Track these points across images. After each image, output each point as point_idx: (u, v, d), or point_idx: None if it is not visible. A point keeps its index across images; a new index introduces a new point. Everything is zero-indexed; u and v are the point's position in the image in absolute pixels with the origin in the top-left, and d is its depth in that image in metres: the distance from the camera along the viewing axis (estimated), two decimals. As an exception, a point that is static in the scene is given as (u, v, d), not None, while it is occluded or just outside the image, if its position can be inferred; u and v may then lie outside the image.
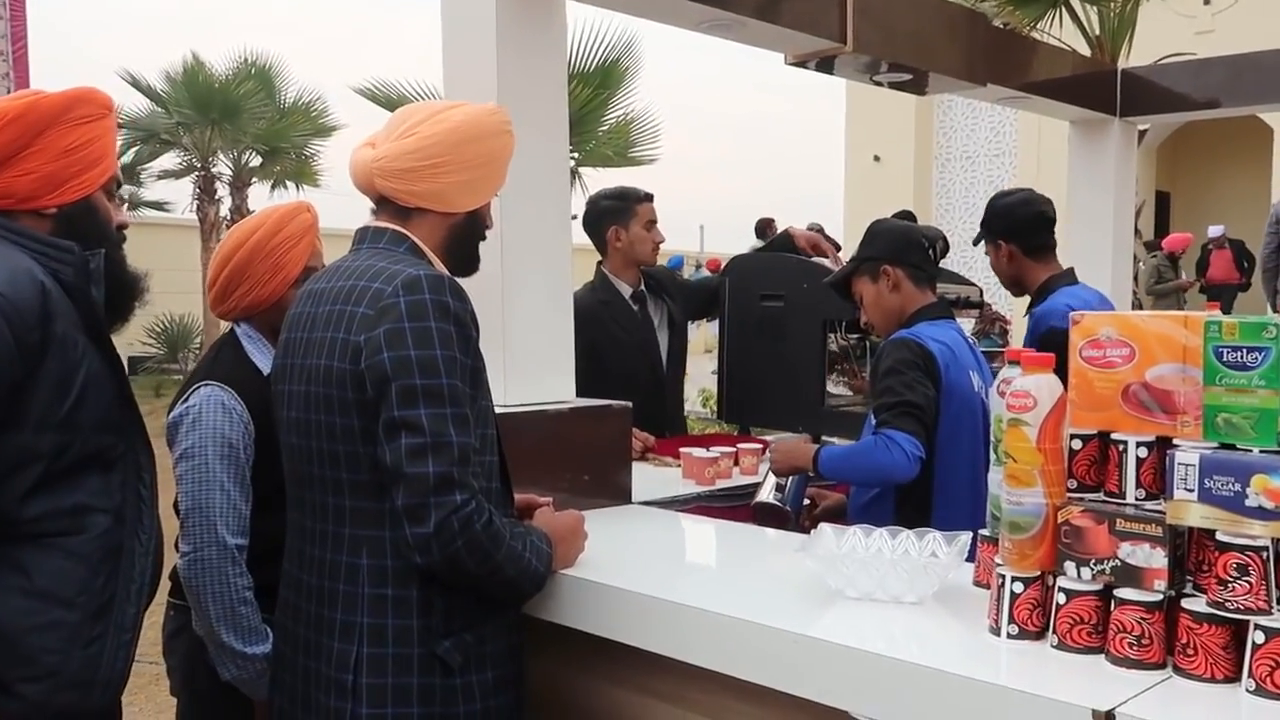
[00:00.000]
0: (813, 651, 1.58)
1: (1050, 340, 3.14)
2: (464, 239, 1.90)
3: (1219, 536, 1.39)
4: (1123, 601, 1.45)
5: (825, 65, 3.40)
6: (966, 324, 4.12)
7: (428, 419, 1.62)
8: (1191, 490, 1.41)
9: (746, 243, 14.91)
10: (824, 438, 2.79)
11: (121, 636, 1.77)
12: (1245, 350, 1.48)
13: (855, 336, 3.55)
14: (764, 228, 13.89)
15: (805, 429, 3.59)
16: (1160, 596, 1.44)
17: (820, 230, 13.09)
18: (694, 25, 2.96)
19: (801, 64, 3.39)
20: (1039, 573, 1.56)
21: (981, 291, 3.67)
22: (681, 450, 3.06)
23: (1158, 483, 1.58)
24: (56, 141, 1.72)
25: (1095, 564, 1.50)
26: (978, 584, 1.81)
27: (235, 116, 13.74)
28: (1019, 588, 1.55)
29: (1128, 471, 1.57)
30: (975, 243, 3.47)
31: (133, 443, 1.82)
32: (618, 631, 1.84)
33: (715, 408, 4.33)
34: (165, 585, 2.10)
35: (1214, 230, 12.50)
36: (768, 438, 3.63)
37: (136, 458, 1.83)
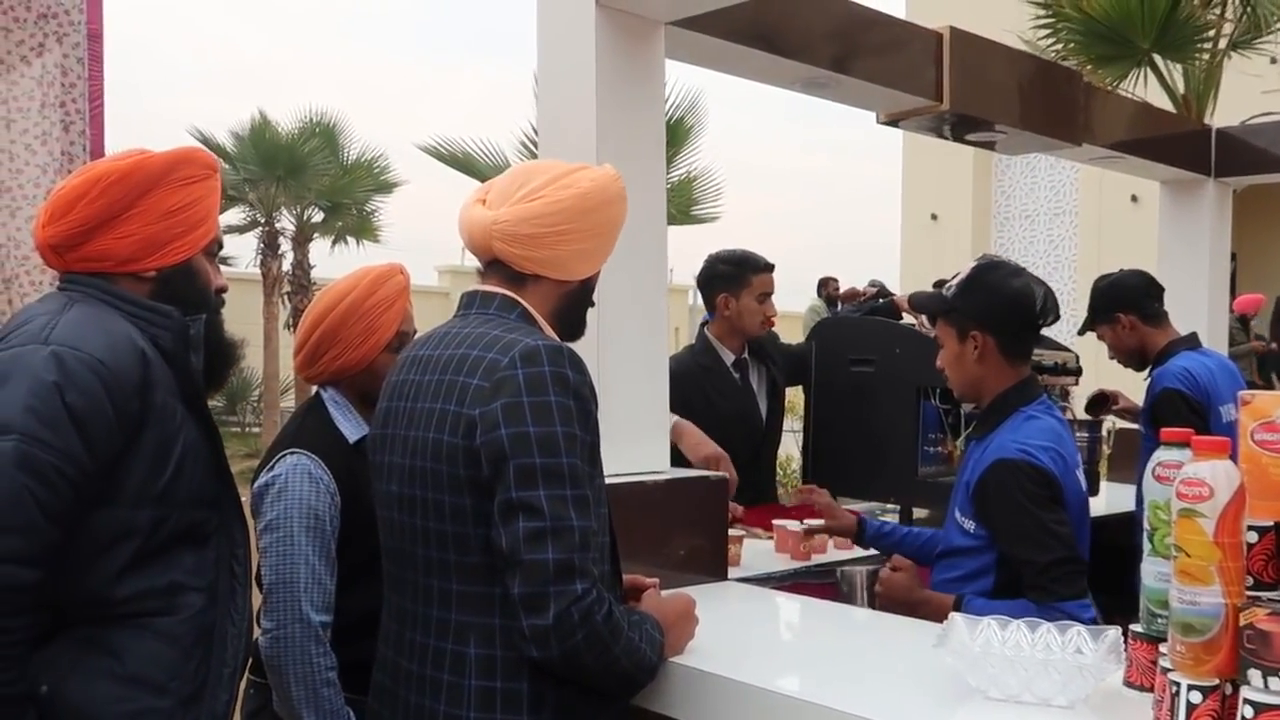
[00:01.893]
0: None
1: (1165, 401, 3.08)
2: (575, 306, 1.81)
3: None
4: (1325, 719, 1.29)
5: (919, 124, 3.32)
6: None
7: (547, 501, 1.52)
8: (1406, 596, 1.25)
9: (805, 298, 14.81)
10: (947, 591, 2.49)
11: None
12: None
13: (949, 406, 3.40)
14: (824, 285, 13.79)
15: (896, 500, 3.45)
16: (1368, 715, 1.28)
17: (881, 287, 12.95)
18: (790, 84, 2.91)
19: (893, 123, 3.30)
20: (1218, 681, 1.40)
21: (1078, 357, 3.51)
22: (775, 523, 2.92)
23: (1349, 582, 1.43)
24: (160, 203, 1.66)
25: (1286, 674, 1.34)
26: (1129, 684, 1.65)
27: (300, 173, 13.90)
28: (1197, 697, 1.40)
29: (1314, 569, 1.43)
30: (1082, 332, 3.43)
31: (227, 517, 1.74)
32: (734, 727, 1.71)
33: (800, 476, 4.18)
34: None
35: None
36: (855, 507, 3.48)
37: (231, 533, 1.74)
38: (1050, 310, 2.36)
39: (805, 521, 2.88)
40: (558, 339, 1.70)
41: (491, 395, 1.56)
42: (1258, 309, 11.87)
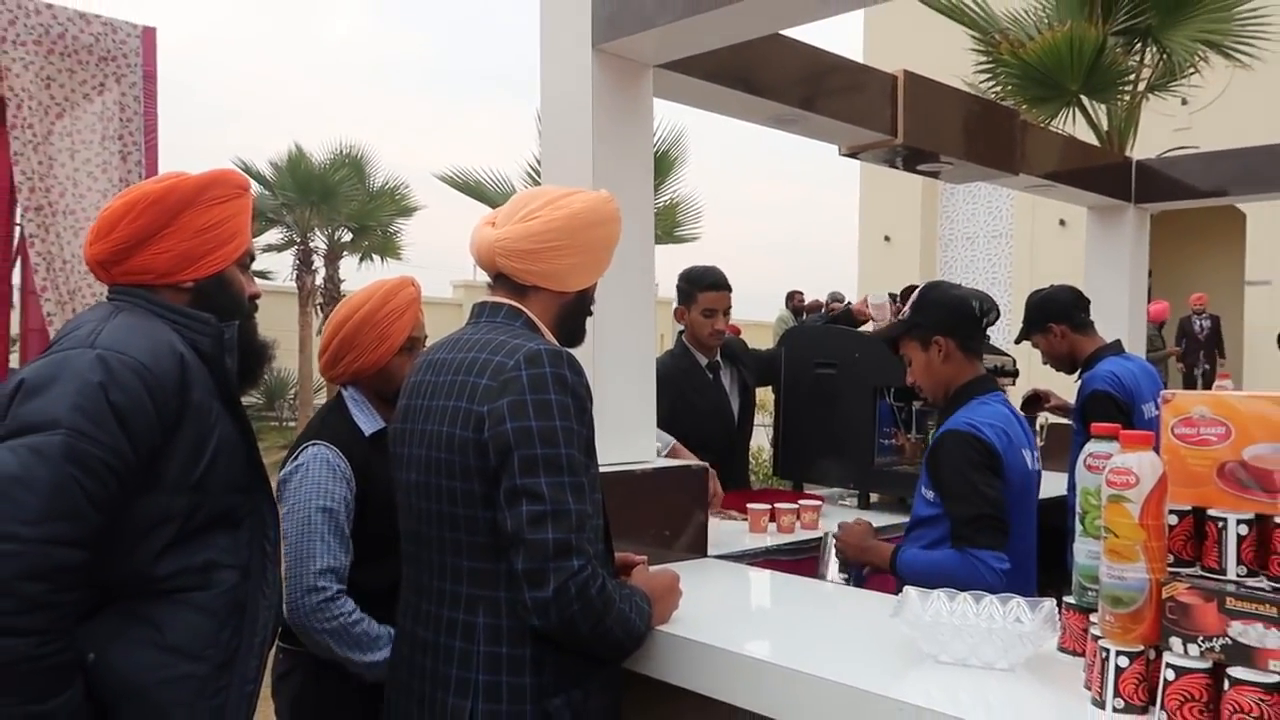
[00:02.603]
0: (912, 719, 1.41)
1: (1095, 402, 3.06)
2: (573, 314, 1.79)
3: (1343, 621, 1.21)
4: (1239, 681, 1.27)
5: (875, 155, 3.30)
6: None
7: (548, 487, 1.51)
8: (1311, 573, 1.24)
9: (774, 309, 14.79)
10: (881, 521, 2.54)
11: (245, 688, 1.65)
12: (1352, 432, 1.32)
13: (901, 403, 3.39)
14: (791, 298, 13.79)
15: (855, 486, 3.43)
16: (1278, 678, 1.26)
17: (840, 298, 12.91)
18: (764, 120, 2.88)
19: (854, 154, 3.29)
20: (1143, 648, 1.39)
21: (1014, 361, 3.50)
22: (749, 506, 2.90)
23: (1259, 560, 1.41)
24: (193, 221, 1.63)
25: (1204, 641, 1.33)
26: (1063, 650, 1.63)
27: (331, 199, 13.86)
28: (1124, 662, 1.38)
29: (1228, 548, 1.41)
30: (1018, 341, 3.43)
31: (259, 502, 1.71)
32: (714, 688, 1.68)
33: (770, 465, 4.16)
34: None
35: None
36: (820, 493, 3.47)
37: (263, 516, 1.71)
38: (990, 309, 2.45)
39: (775, 504, 2.86)
40: (558, 344, 1.68)
41: (499, 393, 1.55)
42: (1166, 317, 11.91)
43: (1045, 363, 3.39)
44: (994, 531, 2.15)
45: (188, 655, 1.54)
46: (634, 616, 1.63)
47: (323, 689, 2.08)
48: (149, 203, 1.60)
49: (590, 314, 1.84)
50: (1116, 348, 3.24)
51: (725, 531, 2.80)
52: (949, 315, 2.40)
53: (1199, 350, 11.74)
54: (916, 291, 2.47)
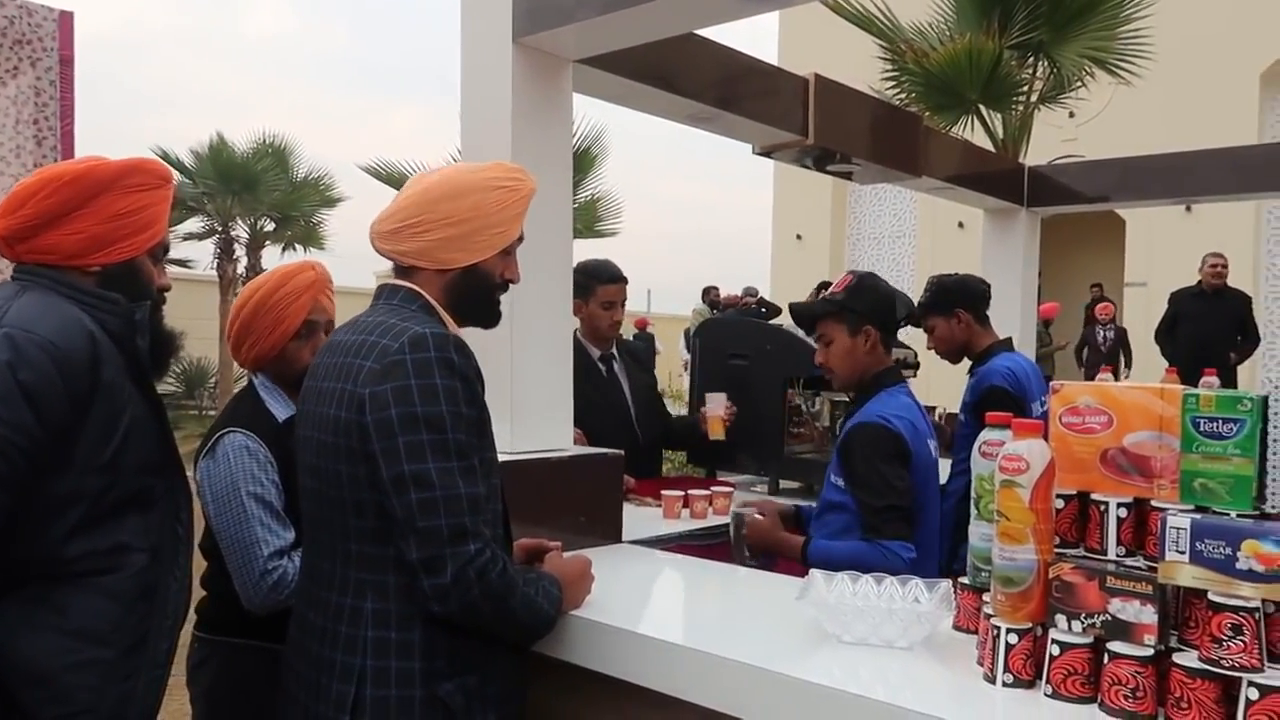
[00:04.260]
0: (815, 697, 1.42)
1: (991, 395, 3.04)
2: (466, 294, 1.66)
3: (1211, 597, 1.25)
4: (1117, 655, 1.31)
5: (787, 155, 3.32)
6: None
7: (437, 473, 1.44)
8: (1183, 552, 1.28)
9: (690, 305, 14.86)
10: (800, 507, 2.51)
11: (155, 672, 1.58)
12: (1221, 421, 1.37)
13: (811, 392, 3.42)
14: (707, 293, 13.87)
15: (766, 473, 3.45)
16: (1152, 651, 1.30)
17: (755, 293, 13.03)
18: (681, 118, 2.87)
19: (767, 153, 3.30)
20: (1031, 625, 1.42)
21: (916, 354, 3.57)
22: (663, 493, 2.89)
23: (1136, 540, 1.46)
24: (108, 206, 1.55)
25: (1085, 618, 1.36)
26: (957, 628, 1.66)
27: (254, 188, 13.45)
28: (1013, 639, 1.41)
29: (1109, 530, 1.46)
30: (916, 322, 3.38)
31: (172, 483, 1.64)
32: (626, 671, 1.66)
33: (684, 454, 4.16)
34: (190, 618, 1.88)
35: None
36: (733, 479, 3.48)
37: (176, 497, 1.64)
38: (907, 314, 2.50)
39: (688, 491, 2.85)
40: (447, 329, 1.58)
41: (381, 377, 1.48)
42: (1055, 314, 12.32)
43: (930, 347, 3.31)
44: (902, 522, 2.17)
45: (93, 639, 1.47)
46: (541, 601, 1.58)
47: (238, 677, 2.01)
48: (64, 182, 1.52)
49: (500, 289, 1.71)
50: (1008, 344, 3.24)
51: (640, 518, 2.78)
52: (882, 308, 2.40)
53: (1100, 361, 11.55)
54: (854, 277, 2.43)
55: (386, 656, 1.49)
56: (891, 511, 2.17)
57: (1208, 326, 7.71)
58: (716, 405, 3.23)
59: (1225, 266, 7.86)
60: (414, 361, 1.47)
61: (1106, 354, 11.00)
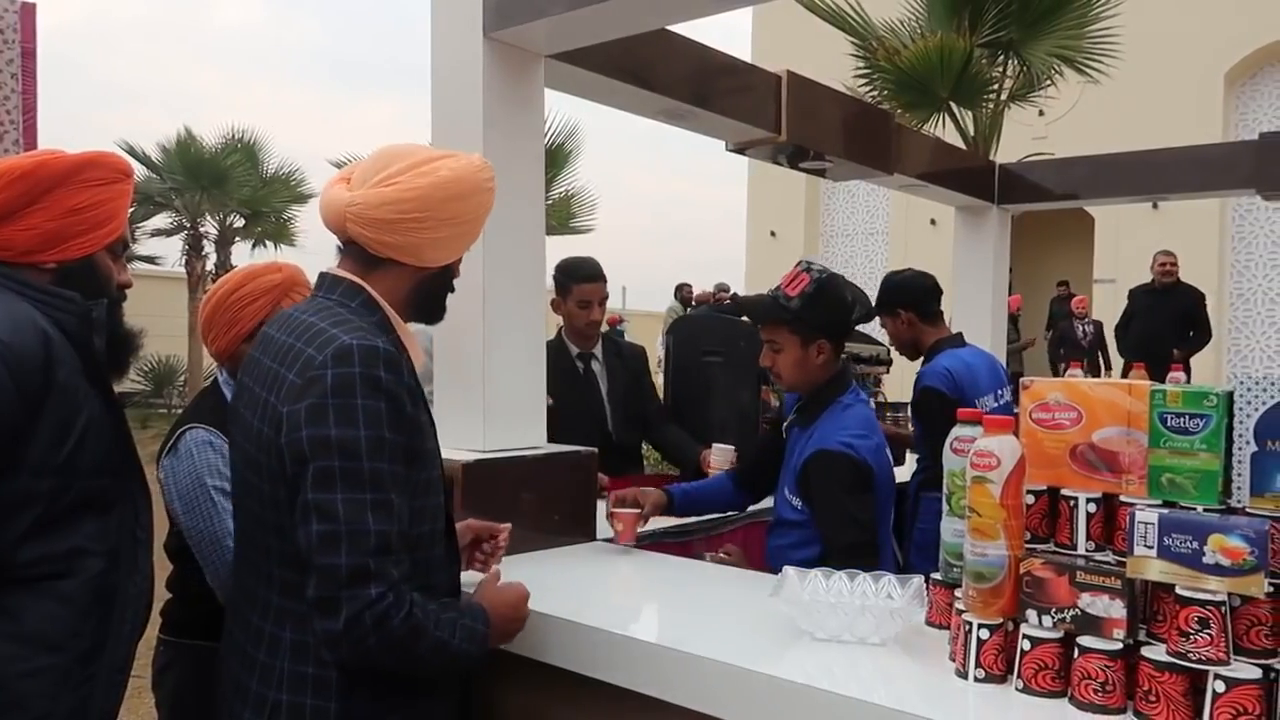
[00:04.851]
0: (789, 694, 1.41)
1: (923, 399, 3.00)
2: (431, 292, 1.58)
3: (1179, 591, 1.26)
4: (1086, 650, 1.32)
5: (760, 152, 3.32)
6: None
7: (343, 505, 1.31)
8: (1151, 547, 1.29)
9: (664, 301, 14.86)
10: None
11: (114, 677, 1.54)
12: (1188, 417, 1.38)
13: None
14: (680, 290, 13.88)
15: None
16: (1121, 645, 1.31)
17: (726, 289, 13.02)
18: (654, 114, 2.86)
19: (740, 150, 3.30)
20: (1002, 620, 1.42)
21: (889, 350, 3.59)
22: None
23: (1105, 535, 1.47)
24: (63, 201, 1.50)
25: (1056, 612, 1.37)
26: (930, 624, 1.67)
27: (223, 184, 13.27)
28: (985, 634, 1.41)
29: (1079, 525, 1.47)
30: (870, 319, 3.39)
31: (130, 485, 1.59)
32: (597, 670, 1.65)
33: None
34: (155, 621, 1.85)
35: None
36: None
37: (134, 500, 1.59)
38: (862, 316, 2.45)
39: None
40: (380, 337, 1.42)
41: (300, 394, 1.36)
42: (1018, 307, 12.38)
43: (890, 343, 3.31)
44: (867, 556, 2.08)
45: (47, 646, 1.43)
46: (457, 644, 1.42)
47: (204, 680, 1.97)
48: (15, 176, 1.47)
49: (453, 290, 1.64)
50: (957, 340, 3.19)
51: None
52: (837, 322, 2.30)
53: (1083, 357, 10.34)
54: (812, 283, 2.24)
55: (302, 693, 1.38)
56: (858, 548, 2.08)
57: (1157, 322, 7.84)
58: (723, 459, 3.10)
59: (1175, 265, 8.00)
60: (334, 378, 1.34)
61: (1088, 349, 10.77)
